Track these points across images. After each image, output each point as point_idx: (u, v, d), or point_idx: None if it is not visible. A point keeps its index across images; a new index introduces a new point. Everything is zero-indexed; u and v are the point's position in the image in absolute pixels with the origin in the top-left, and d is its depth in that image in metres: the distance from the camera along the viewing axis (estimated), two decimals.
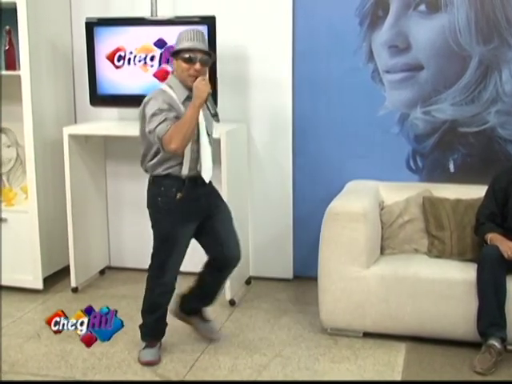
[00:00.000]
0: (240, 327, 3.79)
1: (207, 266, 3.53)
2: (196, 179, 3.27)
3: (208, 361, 3.41)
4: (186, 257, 4.67)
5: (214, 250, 3.47)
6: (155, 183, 3.31)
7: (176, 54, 3.23)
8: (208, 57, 3.23)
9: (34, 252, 4.23)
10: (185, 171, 3.24)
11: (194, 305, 3.58)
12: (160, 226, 3.34)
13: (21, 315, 3.99)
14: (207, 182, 3.29)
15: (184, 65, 3.19)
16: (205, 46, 3.23)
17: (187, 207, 3.27)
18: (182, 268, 4.67)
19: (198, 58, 3.18)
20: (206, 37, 3.34)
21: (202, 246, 3.49)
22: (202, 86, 3.13)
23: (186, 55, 3.18)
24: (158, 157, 3.26)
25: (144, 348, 3.44)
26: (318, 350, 3.49)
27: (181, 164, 3.23)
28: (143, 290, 4.39)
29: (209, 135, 3.31)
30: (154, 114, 3.14)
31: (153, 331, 3.48)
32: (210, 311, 3.91)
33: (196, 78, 3.16)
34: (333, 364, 3.37)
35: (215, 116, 3.21)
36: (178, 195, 3.25)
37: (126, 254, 4.78)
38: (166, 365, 3.37)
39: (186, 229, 3.33)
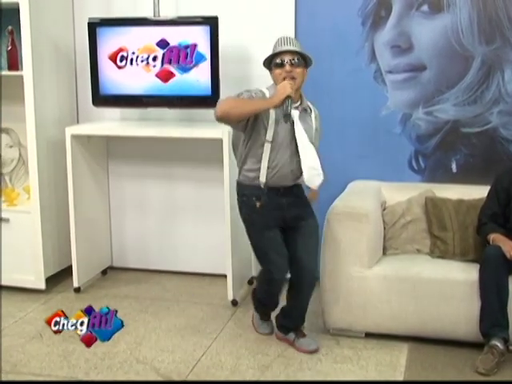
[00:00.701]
0: (242, 327, 3.79)
1: (289, 282, 3.56)
2: (278, 189, 3.31)
3: (210, 361, 3.42)
4: (187, 257, 4.69)
5: (291, 262, 3.45)
6: (238, 191, 3.41)
7: (269, 64, 3.29)
8: (299, 57, 3.24)
9: (36, 252, 4.24)
10: (262, 179, 3.28)
11: (285, 323, 3.58)
12: (249, 234, 3.44)
13: (23, 315, 3.99)
14: (312, 186, 3.35)
15: (277, 71, 3.24)
16: (294, 47, 3.24)
17: (268, 216, 3.33)
18: (183, 268, 4.71)
19: (286, 60, 3.21)
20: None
21: None
22: (282, 87, 3.16)
23: (277, 60, 3.24)
24: (247, 145, 3.32)
25: (260, 320, 3.66)
26: (320, 350, 3.49)
27: (259, 170, 3.29)
28: (146, 290, 4.45)
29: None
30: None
31: (267, 311, 3.65)
32: (215, 311, 3.96)
33: (292, 79, 3.22)
34: (335, 364, 3.37)
35: (285, 116, 3.18)
36: (258, 204, 3.32)
37: (128, 254, 4.78)
38: (169, 365, 3.37)
39: (270, 233, 3.36)
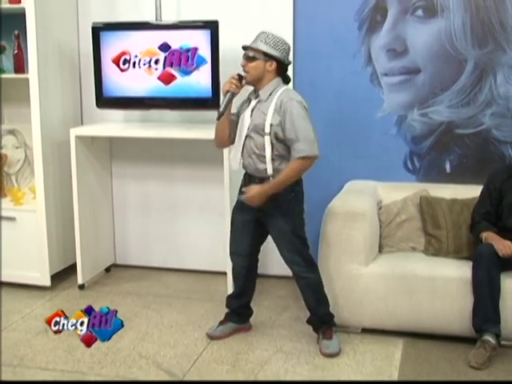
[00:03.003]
0: None
1: None
2: (256, 177, 3.40)
3: (211, 355, 3.46)
4: (188, 255, 4.70)
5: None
6: None
7: None
8: (254, 52, 3.30)
9: (41, 250, 4.28)
10: (241, 164, 3.48)
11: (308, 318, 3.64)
12: None
13: (29, 311, 4.04)
14: (232, 168, 3.53)
15: None
16: (256, 44, 3.30)
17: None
18: (184, 265, 4.69)
19: (244, 54, 3.34)
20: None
21: None
22: (225, 82, 3.36)
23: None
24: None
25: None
26: (318, 346, 3.52)
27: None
28: (148, 287, 4.45)
29: (247, 136, 3.38)
30: None
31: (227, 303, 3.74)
32: (215, 307, 4.01)
33: (246, 73, 3.34)
34: (332, 359, 3.40)
35: (218, 112, 3.35)
36: (242, 184, 3.49)
37: (131, 252, 4.82)
38: (171, 359, 3.41)
39: (241, 217, 3.52)
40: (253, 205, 3.34)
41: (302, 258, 3.45)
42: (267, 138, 3.32)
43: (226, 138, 3.49)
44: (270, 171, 3.36)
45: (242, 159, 3.43)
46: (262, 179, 3.37)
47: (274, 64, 3.33)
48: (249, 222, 3.50)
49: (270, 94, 3.34)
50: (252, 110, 3.38)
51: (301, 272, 3.47)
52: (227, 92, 3.32)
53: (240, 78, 3.35)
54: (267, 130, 3.32)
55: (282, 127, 3.29)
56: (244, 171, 3.51)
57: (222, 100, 3.35)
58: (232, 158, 3.47)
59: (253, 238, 3.56)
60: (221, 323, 3.69)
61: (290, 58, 3.43)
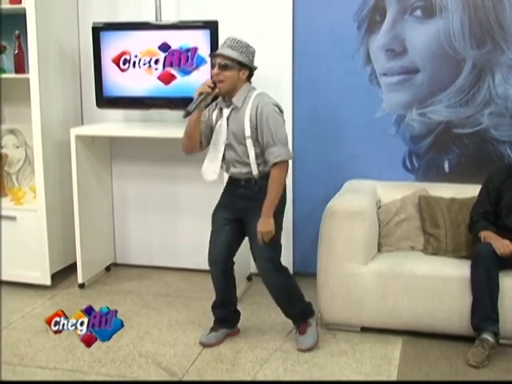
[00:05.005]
0: (241, 322, 3.78)
1: None
2: (240, 180, 3.41)
3: (211, 354, 3.47)
4: (188, 254, 4.73)
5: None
6: None
7: None
8: (229, 61, 3.24)
9: (42, 249, 4.30)
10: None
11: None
12: None
13: (29, 310, 4.06)
14: (205, 179, 3.43)
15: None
16: (228, 52, 3.24)
17: (225, 197, 3.51)
18: (184, 265, 4.72)
19: (216, 63, 3.27)
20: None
21: None
22: (201, 86, 3.28)
23: (213, 61, 3.33)
24: None
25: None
26: (317, 344, 3.53)
27: None
28: (147, 286, 4.46)
29: (226, 146, 3.37)
30: None
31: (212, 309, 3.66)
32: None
33: (220, 82, 3.27)
34: (331, 358, 3.42)
35: (184, 111, 3.26)
36: (225, 183, 3.53)
37: (131, 251, 4.85)
38: (171, 358, 3.43)
39: (221, 214, 3.49)
40: (272, 235, 3.33)
41: (271, 263, 3.44)
42: (249, 142, 3.30)
43: (197, 143, 3.44)
44: (255, 172, 3.36)
45: (225, 169, 3.45)
46: (248, 180, 3.38)
47: (247, 72, 3.32)
48: (228, 220, 3.47)
49: (243, 101, 3.32)
50: (227, 119, 3.34)
51: (266, 277, 3.47)
52: (200, 94, 3.26)
53: (215, 85, 3.28)
54: (248, 133, 3.30)
55: (259, 130, 3.27)
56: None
57: (196, 100, 3.26)
58: (208, 169, 3.43)
59: (231, 237, 3.49)
60: (213, 329, 3.64)
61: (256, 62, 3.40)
